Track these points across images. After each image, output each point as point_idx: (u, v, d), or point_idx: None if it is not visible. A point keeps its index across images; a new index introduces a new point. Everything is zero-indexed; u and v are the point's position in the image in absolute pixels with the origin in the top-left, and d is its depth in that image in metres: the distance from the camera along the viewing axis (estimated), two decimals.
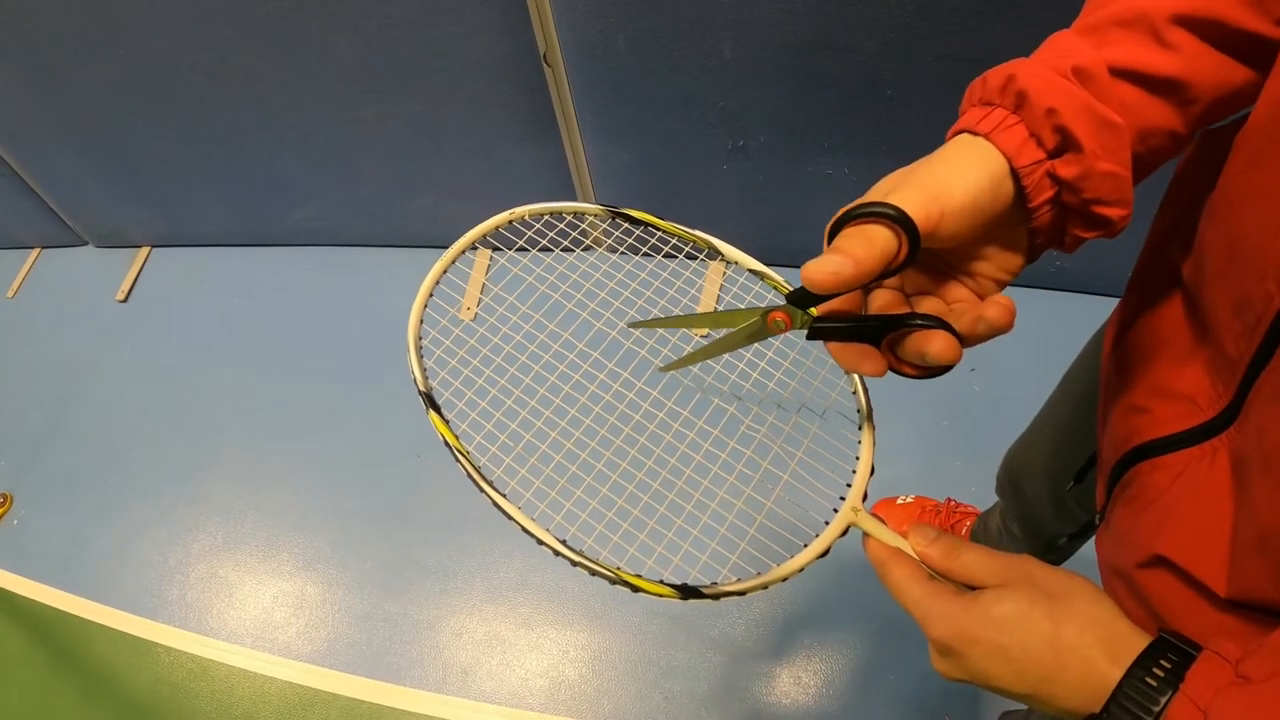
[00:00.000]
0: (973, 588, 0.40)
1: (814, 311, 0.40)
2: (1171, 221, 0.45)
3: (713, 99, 1.32)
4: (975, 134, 0.37)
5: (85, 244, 2.20)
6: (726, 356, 0.45)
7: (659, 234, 0.60)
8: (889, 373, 0.40)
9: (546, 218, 0.60)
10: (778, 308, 0.40)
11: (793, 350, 0.61)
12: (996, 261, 0.39)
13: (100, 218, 2.07)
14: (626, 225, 0.60)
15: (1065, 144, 0.36)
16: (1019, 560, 0.40)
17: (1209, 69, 0.38)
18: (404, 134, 1.60)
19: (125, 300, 2.05)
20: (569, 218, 0.60)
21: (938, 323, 0.37)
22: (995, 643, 0.37)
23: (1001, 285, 0.40)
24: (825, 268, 0.34)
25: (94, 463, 1.79)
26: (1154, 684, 0.33)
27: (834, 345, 0.40)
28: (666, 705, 1.29)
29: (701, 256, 0.59)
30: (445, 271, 0.58)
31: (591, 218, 0.60)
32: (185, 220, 2.01)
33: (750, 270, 0.57)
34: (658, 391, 0.62)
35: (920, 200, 0.35)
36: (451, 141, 1.59)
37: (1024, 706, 1.03)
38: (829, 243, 0.37)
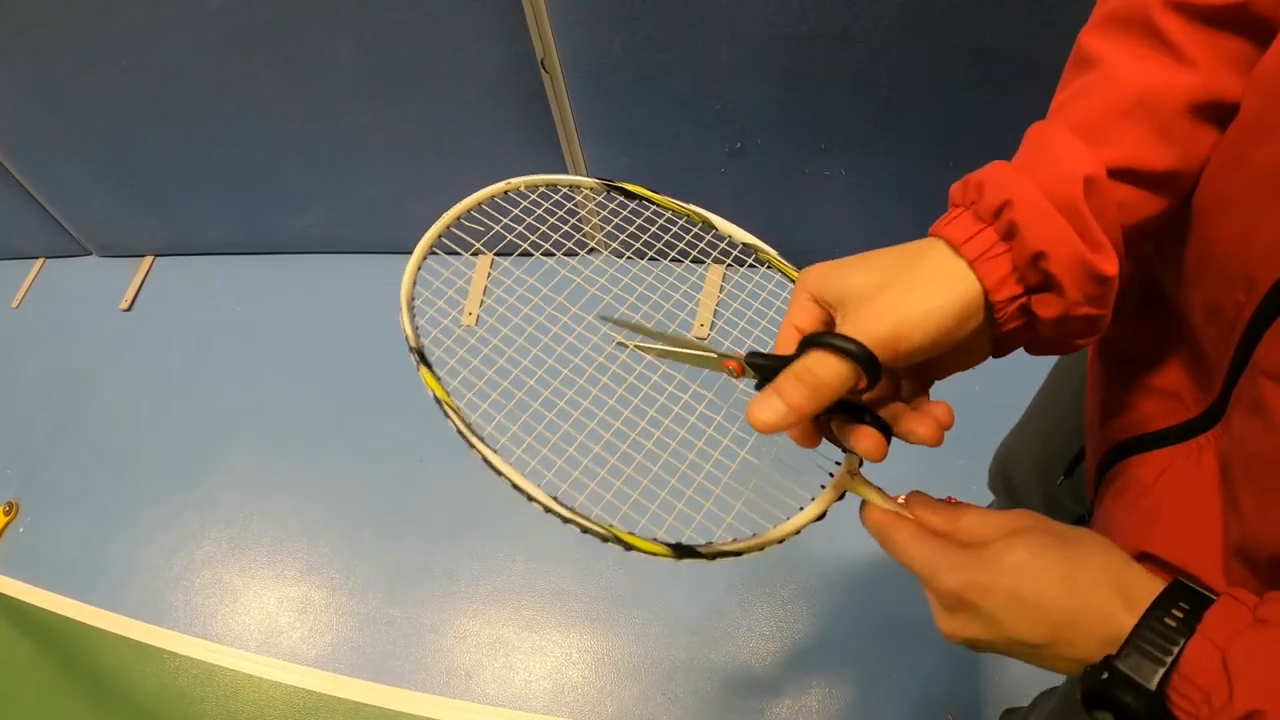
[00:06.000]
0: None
1: None
2: None
3: (710, 102, 1.33)
4: (958, 254, 0.36)
5: (89, 254, 2.21)
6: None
7: (654, 207, 0.60)
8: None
9: (542, 189, 0.61)
10: (732, 357, 0.43)
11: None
12: (957, 362, 0.40)
13: (104, 227, 2.08)
14: (621, 198, 0.60)
15: (1047, 285, 0.35)
16: (1024, 512, 0.39)
17: (1203, 149, 0.37)
18: (405, 140, 1.61)
19: (129, 309, 2.07)
20: (565, 189, 0.61)
21: (877, 422, 0.40)
22: (1010, 590, 0.35)
23: (962, 371, 0.41)
24: (766, 417, 0.36)
25: (99, 470, 1.80)
26: (1173, 625, 0.32)
27: None
28: (670, 706, 1.30)
29: (696, 229, 0.60)
30: (441, 235, 0.60)
31: (587, 190, 0.60)
32: (188, 229, 2.03)
33: (744, 244, 0.58)
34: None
35: (882, 333, 0.35)
36: (451, 148, 1.60)
37: (1025, 704, 1.03)
38: (796, 353, 0.37)
